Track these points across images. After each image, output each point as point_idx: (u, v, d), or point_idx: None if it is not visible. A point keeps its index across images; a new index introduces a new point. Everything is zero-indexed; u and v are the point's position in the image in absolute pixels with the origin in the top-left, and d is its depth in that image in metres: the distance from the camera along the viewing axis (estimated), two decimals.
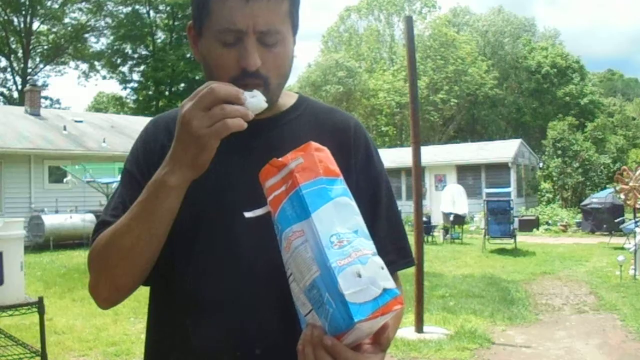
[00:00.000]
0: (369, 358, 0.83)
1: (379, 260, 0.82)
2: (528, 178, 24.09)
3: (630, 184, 11.78)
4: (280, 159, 0.88)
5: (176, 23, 37.11)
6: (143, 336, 1.16)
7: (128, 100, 41.12)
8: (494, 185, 21.07)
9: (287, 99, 1.14)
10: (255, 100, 0.91)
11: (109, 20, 37.60)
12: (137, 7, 37.39)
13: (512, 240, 13.41)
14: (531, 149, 25.92)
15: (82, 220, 14.70)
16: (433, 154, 23.14)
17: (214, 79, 1.00)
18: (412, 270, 5.73)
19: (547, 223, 19.32)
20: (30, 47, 36.17)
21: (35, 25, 36.26)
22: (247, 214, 0.93)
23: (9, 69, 36.72)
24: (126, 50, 38.22)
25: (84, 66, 38.94)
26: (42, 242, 14.21)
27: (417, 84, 6.68)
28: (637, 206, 11.63)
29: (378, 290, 0.78)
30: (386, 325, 0.82)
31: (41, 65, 38.24)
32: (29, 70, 36.63)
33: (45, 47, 37.66)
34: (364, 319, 0.76)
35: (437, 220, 18.16)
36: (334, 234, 0.81)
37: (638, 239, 9.22)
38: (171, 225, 0.98)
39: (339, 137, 1.12)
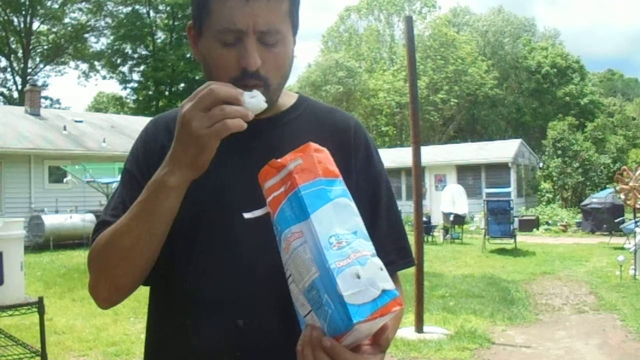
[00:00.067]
0: (368, 359, 0.83)
1: (378, 262, 0.82)
2: (528, 178, 24.09)
3: (630, 184, 11.78)
4: (279, 160, 0.88)
5: (176, 23, 37.11)
6: (143, 336, 1.16)
7: (128, 100, 41.13)
8: (494, 185, 21.07)
9: (287, 99, 1.14)
10: (254, 101, 0.91)
11: (109, 20, 37.65)
12: (137, 7, 37.39)
13: (512, 240, 13.41)
14: (531, 149, 25.92)
15: (82, 220, 14.70)
16: (433, 154, 23.14)
17: (213, 79, 1.00)
18: (412, 270, 5.73)
19: (547, 223, 19.32)
20: (30, 47, 36.17)
21: (35, 25, 36.33)
22: (246, 215, 0.93)
23: (9, 69, 36.77)
24: (126, 50, 38.23)
25: (84, 66, 39.02)
26: (42, 242, 14.21)
27: (417, 84, 6.68)
28: (637, 206, 11.62)
29: (377, 292, 0.78)
30: (385, 326, 0.82)
31: (41, 65, 38.28)
32: (29, 70, 36.65)
33: (45, 47, 37.67)
34: (362, 320, 0.76)
35: (437, 220, 18.16)
36: (333, 235, 0.81)
37: (638, 239, 9.22)
38: (171, 225, 0.98)
39: (339, 137, 1.12)
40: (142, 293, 1.14)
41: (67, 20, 37.06)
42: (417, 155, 6.34)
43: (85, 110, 35.65)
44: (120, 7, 37.28)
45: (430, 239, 15.08)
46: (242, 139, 0.94)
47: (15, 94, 35.91)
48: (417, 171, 6.46)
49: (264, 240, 0.93)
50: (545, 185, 24.46)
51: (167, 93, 37.59)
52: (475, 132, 38.23)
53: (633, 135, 34.40)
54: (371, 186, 1.12)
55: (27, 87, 22.02)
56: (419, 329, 6.04)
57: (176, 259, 1.03)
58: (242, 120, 0.88)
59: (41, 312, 3.31)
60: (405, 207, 18.26)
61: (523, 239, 15.08)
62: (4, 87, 37.61)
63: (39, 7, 34.71)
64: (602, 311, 7.13)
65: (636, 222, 11.24)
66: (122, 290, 1.04)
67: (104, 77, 47.85)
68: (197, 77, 34.09)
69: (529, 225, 18.63)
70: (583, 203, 18.04)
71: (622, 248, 11.33)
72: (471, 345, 5.58)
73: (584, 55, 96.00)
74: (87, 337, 6.04)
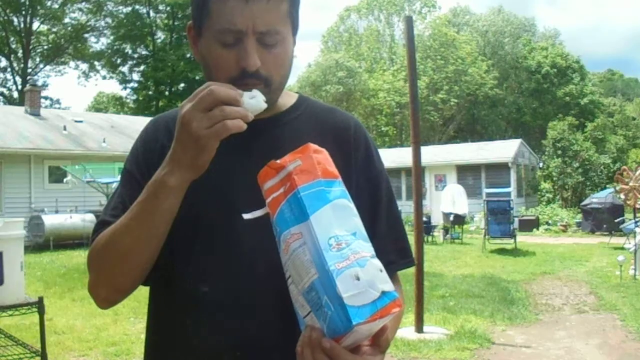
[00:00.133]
0: None
1: (377, 263, 0.82)
2: (528, 178, 24.09)
3: (630, 184, 11.78)
4: (278, 161, 0.88)
5: (176, 23, 37.11)
6: (143, 336, 1.16)
7: (128, 100, 41.13)
8: (494, 185, 21.08)
9: (287, 99, 1.14)
10: (254, 101, 0.91)
11: (109, 20, 37.65)
12: (137, 7, 37.40)
13: (512, 240, 13.41)
14: (531, 149, 25.92)
15: (82, 220, 14.70)
16: (433, 154, 23.14)
17: (213, 79, 1.00)
18: (412, 270, 5.73)
19: (547, 223, 19.32)
20: (30, 47, 36.17)
21: (35, 25, 36.33)
22: (246, 216, 0.93)
23: (9, 69, 36.77)
24: (126, 50, 38.24)
25: (84, 66, 39.02)
26: (42, 242, 14.21)
27: (417, 84, 6.68)
28: (637, 206, 11.63)
29: (377, 293, 0.78)
30: (385, 327, 0.82)
31: (41, 65, 38.29)
32: (29, 70, 36.65)
33: (45, 47, 37.67)
34: (362, 321, 0.76)
35: (437, 220, 18.16)
36: (332, 237, 0.81)
37: (638, 239, 9.22)
38: (171, 225, 0.98)
39: (339, 137, 1.12)
40: (142, 293, 1.14)
41: (67, 20, 37.12)
42: (417, 155, 6.34)
43: (85, 110, 35.65)
44: (120, 7, 37.31)
45: (430, 239, 15.08)
46: (243, 139, 0.94)
47: (15, 94, 35.92)
48: (417, 171, 6.46)
49: (264, 240, 0.93)
50: (545, 185, 24.46)
51: (167, 93, 37.60)
52: (475, 132, 38.22)
53: (633, 135, 34.40)
54: (371, 186, 1.12)
55: (27, 87, 22.03)
56: (419, 329, 6.04)
57: (176, 259, 1.03)
58: (242, 121, 0.88)
59: (41, 312, 3.30)
60: (405, 207, 18.25)
61: (523, 239, 15.08)
62: (4, 87, 37.67)
63: (39, 7, 34.71)
64: (602, 311, 7.13)
65: (636, 222, 11.24)
66: (121, 290, 1.04)
67: (104, 77, 47.92)
68: (197, 77, 34.09)
69: (529, 225, 18.63)
70: (583, 203, 18.04)
71: (622, 248, 11.33)
72: (471, 345, 5.58)
73: (584, 55, 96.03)
74: (87, 337, 6.04)
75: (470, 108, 37.79)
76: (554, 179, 23.48)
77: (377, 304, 0.77)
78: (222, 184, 1.03)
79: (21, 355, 3.38)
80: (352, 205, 0.87)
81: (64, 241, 14.58)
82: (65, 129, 18.74)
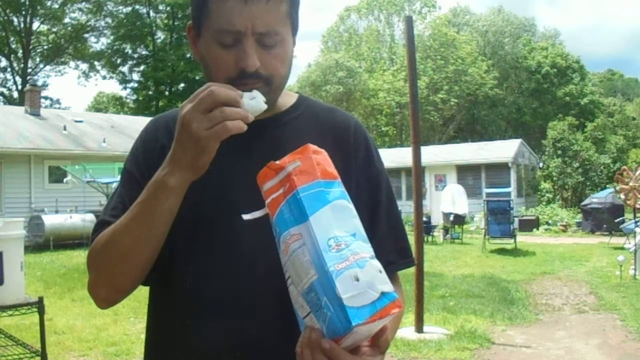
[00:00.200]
0: None
1: (376, 264, 0.82)
2: (528, 178, 24.09)
3: (630, 184, 11.78)
4: (277, 162, 0.88)
5: (176, 23, 37.11)
6: (143, 336, 1.16)
7: (128, 100, 41.14)
8: (494, 185, 21.08)
9: (287, 99, 1.14)
10: (254, 102, 0.91)
11: (109, 20, 37.65)
12: (137, 7, 37.40)
13: (512, 240, 13.41)
14: (531, 149, 25.92)
15: (82, 220, 14.69)
16: (433, 154, 23.14)
17: (212, 79, 1.00)
18: (412, 270, 5.73)
19: (547, 223, 19.32)
20: (30, 47, 36.18)
21: (35, 25, 36.33)
22: (245, 217, 0.93)
23: (9, 69, 36.77)
24: (126, 50, 38.24)
25: (84, 66, 39.02)
26: (42, 242, 14.21)
27: (417, 84, 6.68)
28: (637, 206, 11.63)
29: (376, 294, 0.78)
30: (385, 328, 0.82)
31: (41, 65, 38.29)
32: (29, 70, 36.66)
33: (45, 47, 37.67)
34: (361, 322, 0.76)
35: (437, 220, 18.16)
36: (331, 237, 0.81)
37: (638, 239, 9.22)
38: (171, 225, 0.98)
39: (339, 137, 1.12)
40: (142, 293, 1.14)
41: (67, 20, 37.12)
42: (417, 155, 6.34)
43: (85, 110, 35.64)
44: (120, 7, 37.31)
45: (430, 239, 15.08)
46: (243, 139, 0.94)
47: (15, 94, 35.92)
48: (417, 171, 6.46)
49: (264, 240, 0.93)
50: (545, 185, 24.46)
51: (167, 93, 37.60)
52: (475, 132, 38.22)
53: (633, 135, 34.40)
54: (371, 186, 1.12)
55: (27, 87, 22.03)
56: (419, 329, 6.04)
57: (176, 259, 1.03)
58: (242, 122, 0.88)
59: (41, 312, 3.30)
60: (405, 207, 18.26)
61: (523, 239, 15.08)
62: (4, 87, 37.68)
63: (39, 7, 34.71)
64: (602, 311, 7.13)
65: (636, 222, 11.24)
66: (121, 290, 1.04)
67: (104, 77, 47.90)
68: (197, 77, 34.09)
69: (529, 225, 18.63)
70: (583, 203, 18.04)
71: (622, 248, 11.33)
72: (471, 345, 5.58)
73: (584, 55, 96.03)
74: (87, 337, 6.04)
75: (470, 108, 37.79)
76: (554, 179, 23.48)
77: (376, 305, 0.77)
78: (222, 184, 1.03)
79: (21, 355, 3.38)
80: (351, 206, 0.87)
81: (64, 241, 14.58)
82: (65, 129, 18.74)
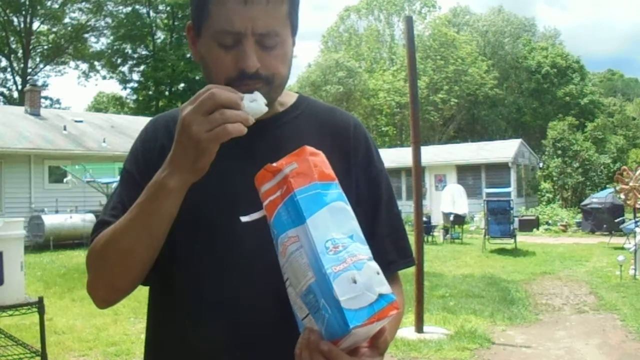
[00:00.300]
0: None
1: (374, 265, 0.82)
2: (528, 178, 24.09)
3: (630, 184, 11.78)
4: (274, 164, 0.88)
5: (176, 23, 37.12)
6: (143, 336, 1.16)
7: (128, 100, 41.14)
8: (494, 185, 21.08)
9: (287, 98, 1.14)
10: (255, 105, 0.91)
11: (109, 20, 37.66)
12: (137, 7, 37.40)
13: (512, 240, 13.41)
14: (531, 149, 25.92)
15: (82, 220, 14.70)
16: (433, 154, 23.14)
17: (212, 79, 1.00)
18: (412, 270, 5.73)
19: (547, 223, 19.32)
20: (30, 47, 36.18)
21: (35, 25, 36.34)
22: (243, 218, 0.93)
23: (9, 69, 36.77)
24: (126, 50, 38.24)
25: (84, 66, 39.03)
26: (42, 242, 14.21)
27: (417, 84, 6.68)
28: (637, 206, 11.63)
29: (374, 296, 0.78)
30: (383, 329, 0.82)
31: (41, 65, 38.29)
32: (29, 70, 36.66)
33: (45, 47, 37.67)
34: (359, 324, 0.76)
35: (437, 220, 18.16)
36: (329, 240, 0.81)
37: (638, 239, 9.22)
38: (171, 226, 0.97)
39: (339, 136, 1.12)
40: (142, 293, 1.14)
41: (67, 20, 37.13)
42: (417, 155, 6.34)
43: (85, 110, 35.64)
44: (120, 7, 37.32)
45: (430, 239, 15.08)
46: (243, 139, 0.93)
47: (15, 94, 35.92)
48: (417, 171, 6.46)
49: (264, 241, 0.92)
50: (545, 185, 24.45)
51: (167, 93, 37.60)
52: (475, 132, 38.22)
53: (633, 135, 34.40)
54: (371, 185, 1.12)
55: (27, 87, 22.03)
56: (419, 329, 6.04)
57: (176, 260, 1.03)
58: (242, 125, 0.88)
59: (41, 312, 3.30)
60: (405, 207, 18.26)
61: (523, 239, 15.08)
62: (4, 87, 37.68)
63: (39, 7, 34.71)
64: (602, 311, 7.13)
65: (636, 222, 11.24)
66: (120, 290, 1.04)
67: (104, 77, 47.92)
68: (197, 77, 34.10)
69: (529, 225, 18.63)
70: (583, 203, 18.04)
71: (622, 248, 11.33)
72: (471, 345, 5.58)
73: (584, 55, 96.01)
74: (87, 337, 6.04)
75: (470, 108, 37.79)
76: (554, 179, 23.49)
77: (374, 307, 0.77)
78: (222, 185, 1.03)
79: (21, 355, 3.38)
80: (349, 207, 0.87)
81: (64, 241, 14.58)
82: (65, 129, 18.75)
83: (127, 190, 1.07)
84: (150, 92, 37.94)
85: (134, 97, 39.82)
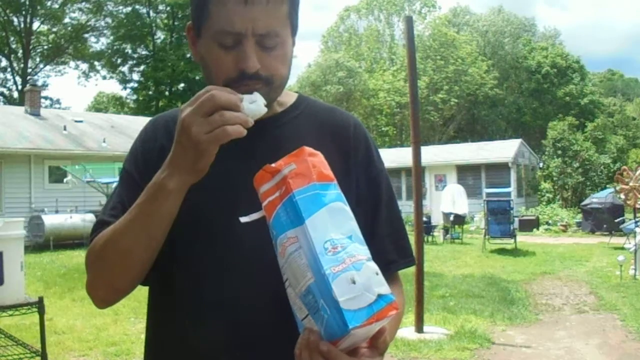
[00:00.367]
0: None
1: (373, 266, 0.82)
2: (528, 178, 24.09)
3: (630, 184, 11.78)
4: (273, 165, 0.88)
5: (176, 23, 37.12)
6: (143, 336, 1.16)
7: (128, 100, 41.14)
8: (494, 185, 21.08)
9: (287, 98, 1.14)
10: (254, 106, 0.91)
11: (109, 20, 37.67)
12: (137, 7, 37.41)
13: (512, 240, 13.41)
14: (531, 149, 25.92)
15: (82, 220, 14.70)
16: (433, 154, 23.14)
17: (212, 80, 1.00)
18: (412, 270, 5.73)
19: (547, 223, 19.32)
20: (30, 47, 36.18)
21: (35, 25, 36.34)
22: (243, 219, 0.93)
23: (9, 69, 36.78)
24: (126, 50, 38.25)
25: (84, 66, 39.04)
26: (42, 242, 14.21)
27: (417, 84, 6.68)
28: (637, 206, 11.63)
29: (373, 297, 0.78)
30: (383, 329, 0.82)
31: (41, 65, 38.30)
32: (29, 70, 36.66)
33: (45, 47, 37.68)
34: (358, 325, 0.76)
35: (437, 220, 18.16)
36: (328, 240, 0.81)
37: (638, 239, 9.22)
38: (171, 226, 0.97)
39: (339, 136, 1.12)
40: (142, 293, 1.14)
41: (67, 20, 37.14)
42: (417, 155, 6.34)
43: (85, 110, 35.63)
44: (120, 7, 37.33)
45: (430, 239, 15.08)
46: (243, 140, 0.93)
47: (15, 94, 35.93)
48: (417, 171, 6.46)
49: (264, 241, 0.92)
50: (545, 185, 24.45)
51: (167, 93, 37.60)
52: (475, 132, 38.22)
53: (633, 135, 34.41)
54: (371, 185, 1.12)
55: (27, 87, 22.04)
56: (419, 329, 6.05)
57: (176, 260, 1.03)
58: (242, 127, 0.88)
59: (41, 312, 3.31)
60: (405, 207, 18.25)
61: (523, 239, 15.08)
62: (4, 87, 37.68)
63: (39, 7, 34.72)
64: (602, 311, 7.13)
65: (636, 222, 11.24)
66: (119, 290, 1.04)
67: (104, 77, 47.89)
68: (197, 78, 34.10)
69: (529, 225, 18.63)
70: (583, 203, 18.04)
71: (622, 248, 11.33)
72: (471, 345, 5.58)
73: (584, 55, 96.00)
74: (87, 337, 6.04)
75: (470, 108, 37.79)
76: (554, 179, 23.49)
77: (373, 308, 0.77)
78: (222, 184, 1.03)
79: (21, 355, 3.38)
80: (347, 208, 0.87)
81: (64, 241, 14.58)
82: (65, 129, 18.75)
83: (127, 190, 1.07)
84: (150, 92, 37.94)
85: (134, 97, 39.83)
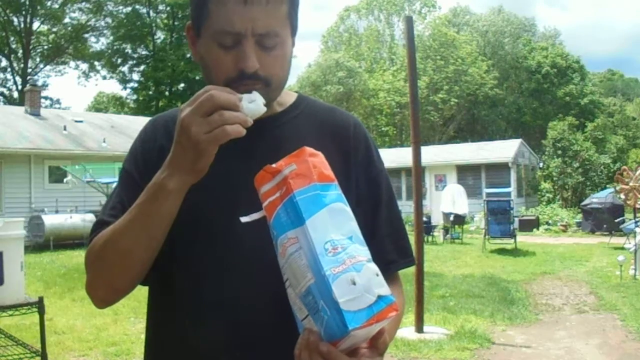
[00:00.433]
0: None
1: (373, 267, 0.82)
2: (528, 178, 24.09)
3: (630, 184, 11.78)
4: (274, 165, 0.88)
5: (176, 23, 37.12)
6: (143, 336, 1.16)
7: (128, 100, 41.14)
8: (494, 185, 21.08)
9: (287, 98, 1.14)
10: (253, 106, 0.91)
11: (109, 20, 37.67)
12: (137, 7, 37.41)
13: (512, 240, 13.41)
14: (531, 149, 25.92)
15: (82, 220, 14.70)
16: (433, 154, 23.14)
17: (212, 80, 1.00)
18: (412, 270, 5.73)
19: (547, 223, 19.32)
20: (30, 47, 36.18)
21: (35, 25, 36.35)
22: (243, 219, 0.92)
23: (9, 69, 36.77)
24: (126, 50, 38.25)
25: (84, 66, 39.04)
26: (42, 242, 14.21)
27: (417, 84, 6.68)
28: (637, 206, 11.63)
29: (373, 298, 0.78)
30: (383, 330, 0.82)
31: (41, 65, 38.29)
32: (29, 70, 36.66)
33: (45, 47, 37.67)
34: (358, 326, 0.76)
35: (437, 220, 18.16)
36: (328, 241, 0.81)
37: (638, 239, 9.22)
38: (170, 226, 0.97)
39: (339, 136, 1.12)
40: (142, 293, 1.14)
41: (67, 20, 37.14)
42: (417, 155, 6.34)
43: (85, 110, 35.63)
44: (120, 7, 37.32)
45: (430, 239, 15.08)
46: (242, 140, 0.93)
47: (15, 94, 35.93)
48: (417, 171, 6.46)
49: (264, 241, 0.92)
50: (545, 185, 24.45)
51: (167, 93, 37.60)
52: (475, 132, 38.22)
53: (633, 135, 34.40)
54: (371, 185, 1.12)
55: (27, 87, 22.03)
56: (419, 329, 6.05)
57: (176, 260, 1.03)
58: (241, 127, 0.88)
59: (41, 312, 3.31)
60: (405, 207, 18.25)
61: (523, 239, 15.08)
62: (4, 87, 37.68)
63: (39, 7, 34.72)
64: (602, 311, 7.13)
65: (636, 222, 11.24)
66: (119, 290, 1.04)
67: (104, 77, 47.89)
68: (197, 77, 34.09)
69: (529, 225, 18.63)
70: (583, 203, 18.04)
71: (622, 248, 11.33)
72: (471, 345, 5.58)
73: (584, 55, 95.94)
74: (87, 337, 6.04)
75: (470, 108, 37.79)
76: (554, 179, 23.49)
77: (373, 309, 0.77)
78: (222, 184, 1.03)
79: (21, 355, 3.38)
80: (348, 208, 0.87)
81: (64, 241, 14.58)
82: (65, 129, 18.75)
83: (126, 190, 1.07)
84: (150, 92, 37.94)
85: (134, 97, 39.83)
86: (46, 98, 36.66)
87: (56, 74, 62.05)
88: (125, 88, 41.31)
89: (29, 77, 34.77)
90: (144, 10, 37.73)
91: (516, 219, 16.50)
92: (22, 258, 3.38)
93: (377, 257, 0.84)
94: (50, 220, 14.60)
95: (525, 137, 29.33)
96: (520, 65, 38.83)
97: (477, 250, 13.57)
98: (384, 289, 0.80)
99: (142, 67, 38.13)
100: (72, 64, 38.91)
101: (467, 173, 22.81)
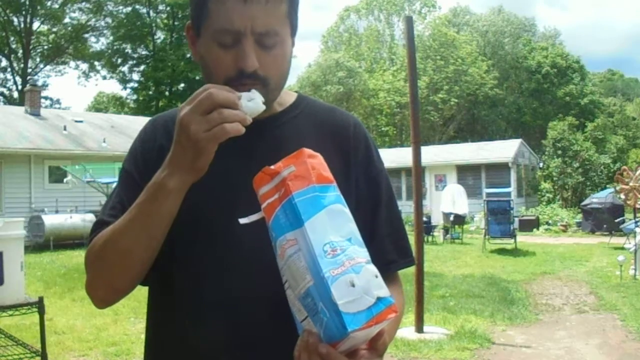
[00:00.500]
0: None
1: (372, 269, 0.81)
2: (528, 178, 24.09)
3: (630, 184, 11.78)
4: (272, 167, 0.88)
5: (176, 23, 37.12)
6: (143, 336, 1.16)
7: (128, 100, 41.15)
8: (494, 185, 21.08)
9: (286, 98, 1.14)
10: (252, 104, 0.91)
11: (109, 20, 37.67)
12: (137, 7, 37.41)
13: (512, 240, 13.41)
14: (531, 149, 25.92)
15: (82, 220, 14.70)
16: (433, 154, 23.14)
17: (211, 79, 1.00)
18: (412, 270, 5.73)
19: (547, 223, 19.32)
20: (30, 47, 36.18)
21: (35, 25, 36.35)
22: (242, 220, 0.92)
23: (9, 69, 36.77)
24: (126, 50, 38.25)
25: (84, 66, 39.04)
26: (42, 242, 14.21)
27: (417, 84, 6.68)
28: (637, 206, 11.63)
29: (372, 299, 0.78)
30: (382, 331, 0.82)
31: (41, 65, 38.30)
32: (29, 70, 36.66)
33: (45, 47, 37.67)
34: (357, 328, 0.76)
35: (437, 220, 18.15)
36: (327, 243, 0.80)
37: (638, 239, 9.21)
38: (170, 226, 0.97)
39: (339, 136, 1.12)
40: (142, 293, 1.14)
41: (67, 20, 37.14)
42: (417, 155, 6.34)
43: (85, 110, 35.63)
44: (120, 7, 37.33)
45: (430, 239, 15.08)
46: (242, 139, 0.93)
47: (15, 94, 35.93)
48: (417, 171, 6.46)
49: (264, 242, 0.92)
50: (545, 185, 24.45)
51: (167, 93, 37.60)
52: (475, 132, 38.21)
53: (633, 135, 34.41)
54: (371, 185, 1.12)
55: (27, 87, 22.02)
56: (419, 329, 6.04)
57: (176, 260, 1.03)
58: (240, 125, 0.88)
59: (41, 312, 3.31)
60: (405, 207, 18.25)
61: (523, 239, 15.08)
62: (4, 87, 37.68)
63: (39, 7, 34.72)
64: (602, 311, 7.13)
65: (636, 222, 11.24)
66: (119, 290, 1.04)
67: (104, 77, 47.90)
68: (197, 77, 34.09)
69: (529, 225, 18.63)
70: (583, 203, 18.04)
71: (622, 248, 11.32)
72: (471, 345, 5.58)
73: (584, 55, 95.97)
74: (87, 337, 6.04)
75: (470, 108, 37.79)
76: (554, 179, 23.49)
77: (372, 310, 0.77)
78: (222, 184, 1.03)
79: (21, 355, 3.38)
80: (347, 210, 0.87)
81: (64, 241, 14.59)
82: (65, 129, 18.75)
83: (126, 190, 1.07)
84: (150, 92, 37.94)
85: (134, 97, 39.84)
86: (46, 98, 36.71)
87: (56, 74, 62.15)
88: (125, 88, 41.38)
89: (29, 77, 34.75)
90: (144, 10, 37.74)
91: (516, 219, 16.50)
92: (22, 258, 3.38)
93: (377, 257, 0.84)
94: (50, 220, 14.60)
95: (525, 137, 29.33)
96: (520, 65, 38.83)
97: (477, 250, 13.57)
98: (383, 290, 0.80)
99: (142, 67, 38.15)
100: (72, 64, 38.98)
101: (467, 173, 22.80)
